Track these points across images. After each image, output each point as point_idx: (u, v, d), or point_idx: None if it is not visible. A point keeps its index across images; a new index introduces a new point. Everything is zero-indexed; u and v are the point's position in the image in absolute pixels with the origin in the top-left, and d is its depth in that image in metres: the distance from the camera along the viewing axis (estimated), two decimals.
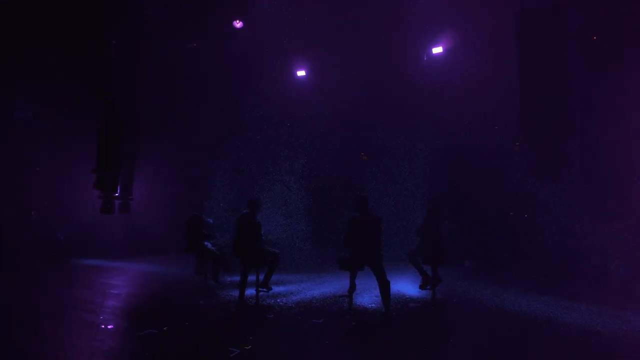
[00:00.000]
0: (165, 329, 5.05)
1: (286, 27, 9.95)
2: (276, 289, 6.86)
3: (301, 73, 11.26)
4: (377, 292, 6.97)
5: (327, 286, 7.62)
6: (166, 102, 10.48)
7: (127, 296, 6.79)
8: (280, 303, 6.33)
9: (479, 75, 9.28)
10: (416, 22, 9.33)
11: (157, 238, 10.69)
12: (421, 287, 6.70)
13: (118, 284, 7.67)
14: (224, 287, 7.28)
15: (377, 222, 5.75)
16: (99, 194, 8.65)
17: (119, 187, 8.87)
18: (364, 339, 5.04)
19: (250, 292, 6.53)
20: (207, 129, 11.16)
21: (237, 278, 7.34)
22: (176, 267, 9.30)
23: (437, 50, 10.02)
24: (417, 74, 9.92)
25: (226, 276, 7.70)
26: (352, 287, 6.01)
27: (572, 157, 6.65)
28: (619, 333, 4.95)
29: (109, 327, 5.09)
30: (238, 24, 9.36)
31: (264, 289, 6.29)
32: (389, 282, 5.75)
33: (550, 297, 6.53)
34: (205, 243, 6.94)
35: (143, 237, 10.75)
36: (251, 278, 6.39)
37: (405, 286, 7.32)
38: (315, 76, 11.24)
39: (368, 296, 6.65)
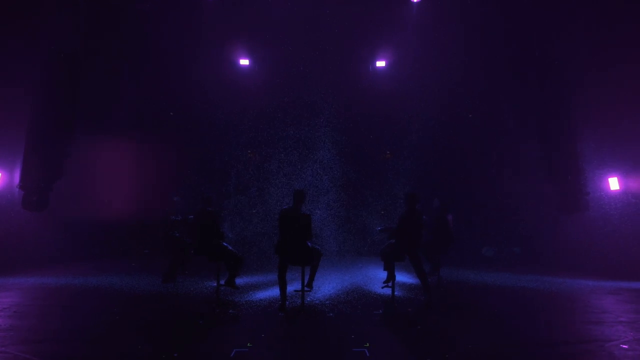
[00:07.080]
0: (249, 345, 4.19)
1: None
2: (275, 289, 6.35)
3: (244, 62, 10.98)
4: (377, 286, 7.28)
5: (329, 282, 7.45)
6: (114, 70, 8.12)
7: (140, 317, 5.23)
8: (315, 302, 5.93)
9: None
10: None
11: (79, 241, 8.17)
12: (429, 275, 7.33)
13: (92, 305, 5.72)
14: (239, 292, 6.31)
15: (419, 218, 6.04)
16: (20, 184, 6.22)
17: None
18: (436, 321, 5.24)
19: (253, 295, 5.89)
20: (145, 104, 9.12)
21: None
22: (128, 278, 7.41)
23: (381, 64, 11.14)
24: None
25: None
26: (393, 277, 6.14)
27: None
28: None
29: (174, 355, 3.91)
30: None
31: (308, 288, 5.79)
32: (425, 272, 6.14)
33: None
34: (225, 244, 5.83)
35: (58, 241, 8.01)
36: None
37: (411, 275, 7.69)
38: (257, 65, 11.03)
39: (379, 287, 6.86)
